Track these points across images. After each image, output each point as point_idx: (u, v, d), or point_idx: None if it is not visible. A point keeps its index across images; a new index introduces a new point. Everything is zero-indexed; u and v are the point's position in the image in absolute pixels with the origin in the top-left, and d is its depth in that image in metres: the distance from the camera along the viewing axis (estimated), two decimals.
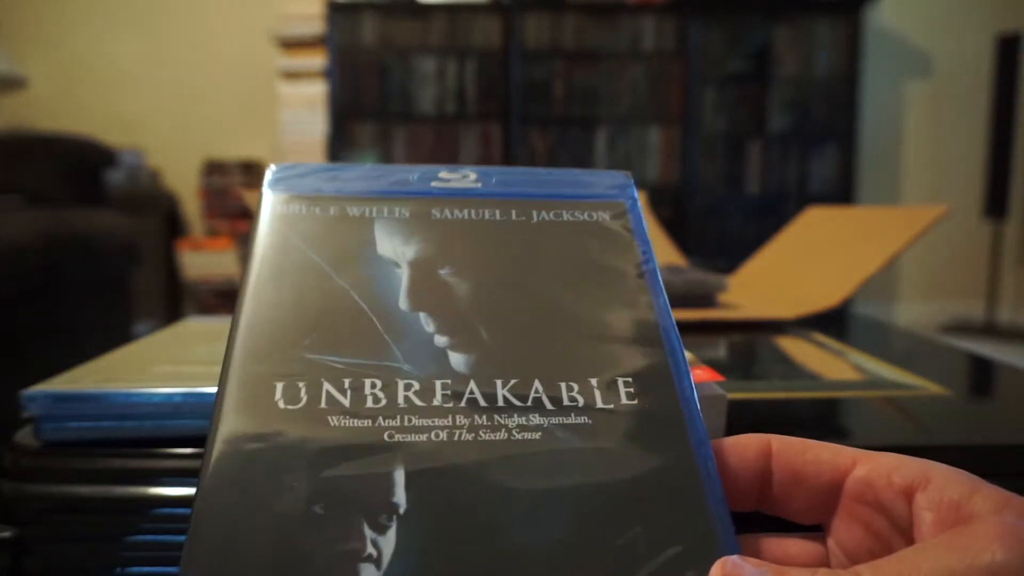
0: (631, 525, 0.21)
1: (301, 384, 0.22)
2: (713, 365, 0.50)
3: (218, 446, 0.21)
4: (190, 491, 0.34)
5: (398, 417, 0.22)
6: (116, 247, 1.53)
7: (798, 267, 0.84)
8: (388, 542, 0.19)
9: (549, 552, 0.20)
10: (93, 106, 2.83)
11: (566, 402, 0.23)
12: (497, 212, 0.28)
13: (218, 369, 0.37)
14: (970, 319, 2.82)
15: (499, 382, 0.23)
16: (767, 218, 2.69)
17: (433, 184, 0.29)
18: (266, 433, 0.21)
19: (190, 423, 0.35)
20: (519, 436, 0.22)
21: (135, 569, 0.34)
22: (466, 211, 0.28)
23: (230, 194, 2.68)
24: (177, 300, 2.61)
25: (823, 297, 0.71)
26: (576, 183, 0.30)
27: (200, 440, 0.35)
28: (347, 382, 0.23)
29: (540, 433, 0.22)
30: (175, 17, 2.85)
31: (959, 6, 2.87)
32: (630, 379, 0.24)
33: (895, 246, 0.73)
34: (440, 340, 0.24)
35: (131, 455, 0.35)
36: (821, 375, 0.53)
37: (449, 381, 0.23)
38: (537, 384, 0.23)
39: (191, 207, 2.83)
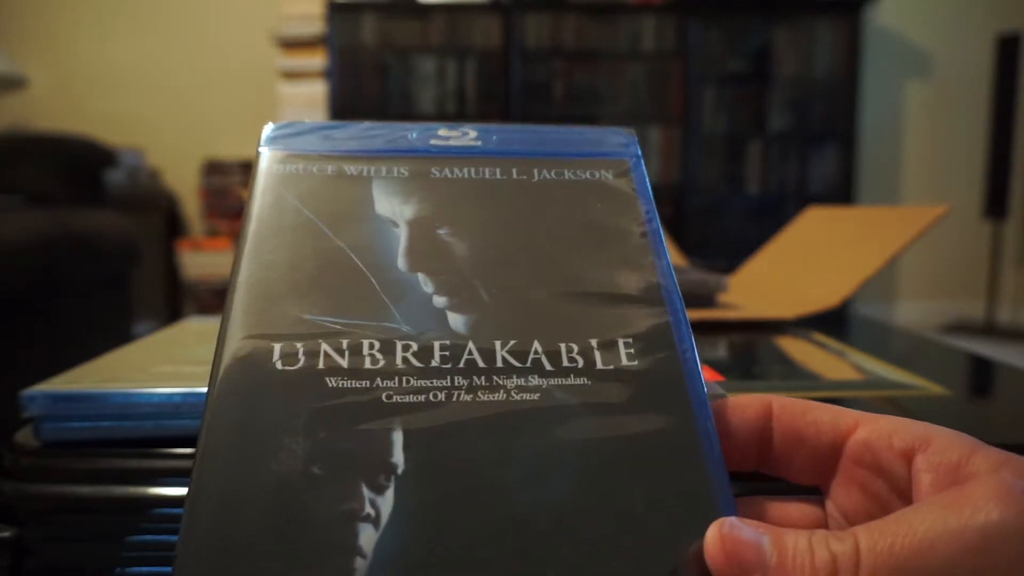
0: (629, 486, 0.21)
1: (299, 345, 0.22)
2: (713, 365, 0.50)
3: (215, 407, 0.21)
4: None
5: (396, 378, 0.22)
6: (116, 247, 1.52)
7: (798, 267, 0.84)
8: (386, 502, 0.20)
9: (547, 513, 0.20)
10: (93, 106, 2.83)
11: (565, 363, 0.23)
12: (498, 171, 0.28)
13: None
14: (970, 319, 2.82)
15: (498, 343, 0.23)
16: (767, 218, 2.68)
17: (432, 142, 0.28)
18: (264, 394, 0.21)
19: (190, 423, 0.35)
20: (518, 397, 0.22)
21: (135, 569, 0.34)
22: (466, 170, 0.27)
23: (230, 194, 2.68)
24: (177, 300, 2.61)
25: (823, 297, 0.71)
26: (579, 141, 0.29)
27: None
28: (345, 343, 0.22)
29: (539, 394, 0.22)
30: (175, 17, 2.85)
31: (959, 6, 2.86)
32: (630, 339, 0.24)
33: (895, 246, 0.73)
34: (439, 301, 0.24)
35: (131, 455, 0.35)
36: (821, 375, 0.53)
37: (448, 342, 0.23)
38: (536, 345, 0.23)
39: (191, 207, 2.83)
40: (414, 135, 0.28)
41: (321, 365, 0.22)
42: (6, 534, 0.34)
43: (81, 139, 1.68)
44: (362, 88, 2.71)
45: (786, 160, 2.75)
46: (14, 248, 1.21)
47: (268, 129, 0.28)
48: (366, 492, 0.20)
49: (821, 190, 2.71)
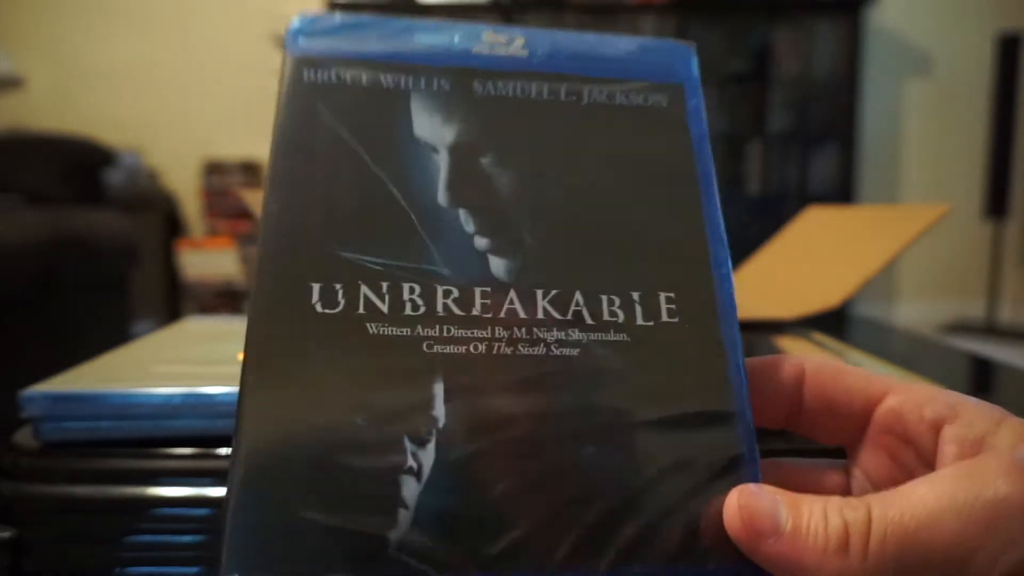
0: (660, 450, 0.21)
1: (338, 286, 0.22)
2: None
3: (256, 354, 0.21)
4: (190, 491, 0.34)
5: (437, 327, 0.22)
6: (116, 247, 1.53)
7: (798, 267, 0.84)
8: (428, 455, 0.20)
9: (580, 470, 0.21)
10: (91, 106, 2.83)
11: (606, 316, 0.23)
12: (545, 89, 0.26)
13: (218, 369, 0.37)
14: (970, 319, 2.82)
15: (539, 292, 0.23)
16: (767, 218, 2.68)
17: (476, 50, 0.26)
18: (304, 339, 0.21)
19: (190, 423, 0.35)
20: (557, 352, 0.22)
21: (135, 569, 0.34)
22: (511, 86, 0.25)
23: (230, 194, 2.68)
24: (177, 300, 2.61)
25: (823, 297, 0.71)
26: (634, 57, 0.27)
27: (200, 440, 0.35)
28: (385, 286, 0.22)
29: (578, 350, 0.22)
30: (174, 17, 2.85)
31: (959, 6, 2.86)
32: (672, 295, 0.23)
33: (896, 246, 0.73)
34: (480, 243, 0.23)
35: (131, 455, 0.35)
36: None
37: (489, 289, 0.22)
38: (578, 296, 0.23)
39: (191, 207, 2.83)
40: (456, 39, 0.26)
41: (361, 309, 0.21)
42: (6, 534, 0.34)
43: (80, 139, 1.68)
44: None
45: (786, 160, 2.75)
46: (13, 248, 1.21)
47: (294, 25, 0.26)
48: (408, 445, 0.20)
49: (821, 190, 2.71)
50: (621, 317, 0.23)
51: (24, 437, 0.36)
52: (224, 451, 0.35)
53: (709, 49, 2.70)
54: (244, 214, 2.67)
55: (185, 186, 2.82)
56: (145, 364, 0.41)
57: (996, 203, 2.66)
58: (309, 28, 0.25)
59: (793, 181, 2.75)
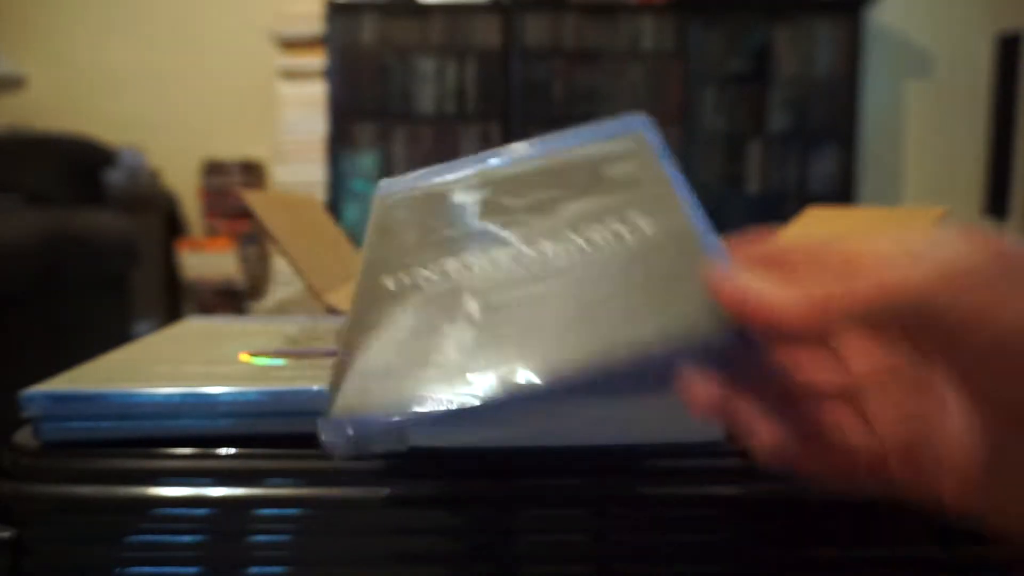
0: (641, 289, 0.29)
1: (403, 276, 0.33)
2: None
3: (353, 311, 0.32)
4: (190, 491, 0.34)
5: (469, 273, 0.32)
6: (116, 247, 1.53)
7: None
8: (471, 331, 0.30)
9: (587, 301, 0.29)
10: (92, 106, 2.83)
11: (597, 239, 0.32)
12: (542, 161, 0.38)
13: (218, 369, 0.38)
14: None
15: (542, 238, 0.33)
16: (767, 218, 2.68)
17: (489, 160, 0.39)
18: (382, 300, 0.32)
19: (190, 423, 0.35)
20: (558, 264, 0.31)
21: (135, 569, 0.34)
22: (517, 167, 0.38)
23: (230, 194, 2.68)
24: (177, 300, 2.61)
25: None
26: (602, 128, 0.38)
27: (200, 440, 0.35)
28: (432, 266, 0.33)
29: (577, 260, 0.31)
30: (174, 17, 2.85)
31: (959, 6, 2.87)
32: (651, 218, 0.32)
33: None
34: (496, 227, 0.34)
35: (131, 455, 0.35)
36: None
37: (504, 248, 0.33)
38: (572, 233, 0.32)
39: (191, 207, 2.83)
40: (474, 160, 0.39)
41: (419, 283, 0.32)
42: (6, 534, 0.34)
43: (80, 139, 1.68)
44: (362, 88, 2.71)
45: (786, 160, 2.75)
46: (14, 248, 1.21)
47: (383, 182, 0.40)
48: (455, 330, 0.30)
49: (821, 190, 2.71)
50: (610, 236, 0.31)
51: (24, 437, 0.36)
52: (224, 451, 0.35)
53: (709, 49, 2.70)
54: (244, 214, 2.67)
55: (185, 186, 2.82)
56: (145, 364, 0.41)
57: (996, 203, 2.66)
58: (389, 181, 0.39)
59: (793, 181, 2.75)
